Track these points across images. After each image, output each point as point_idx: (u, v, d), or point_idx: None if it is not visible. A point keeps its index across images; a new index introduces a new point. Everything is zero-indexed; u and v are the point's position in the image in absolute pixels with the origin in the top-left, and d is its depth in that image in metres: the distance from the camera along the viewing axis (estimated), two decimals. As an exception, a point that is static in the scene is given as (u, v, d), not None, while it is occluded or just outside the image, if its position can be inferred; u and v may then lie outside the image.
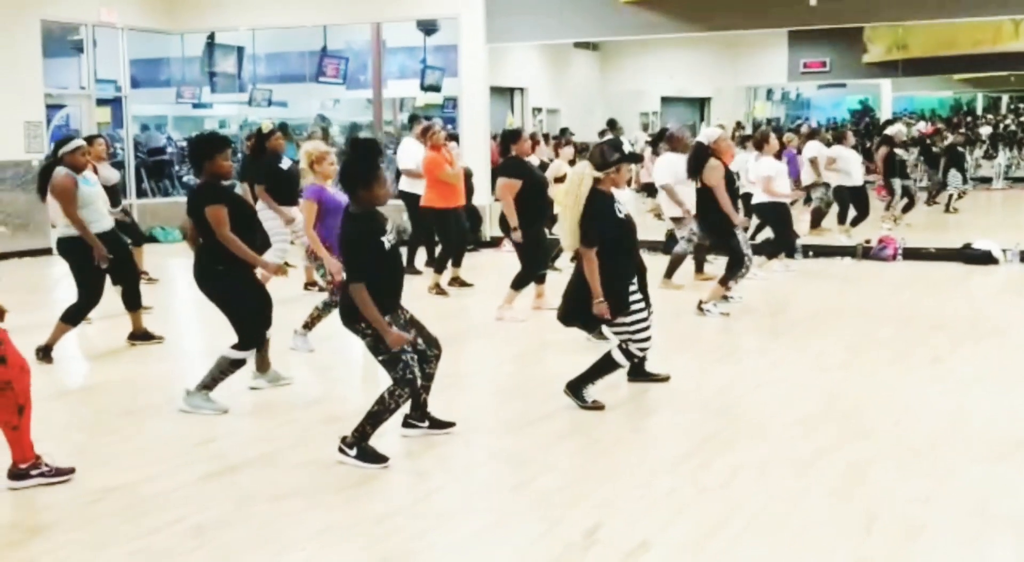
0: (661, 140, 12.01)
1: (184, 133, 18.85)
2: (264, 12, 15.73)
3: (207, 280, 6.17)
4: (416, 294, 9.40)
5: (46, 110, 14.53)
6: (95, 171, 8.86)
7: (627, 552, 4.10)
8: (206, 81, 17.69)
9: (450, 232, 10.62)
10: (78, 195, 7.47)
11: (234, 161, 6.69)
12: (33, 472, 4.88)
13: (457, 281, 10.75)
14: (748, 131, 20.10)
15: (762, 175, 10.65)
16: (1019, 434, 5.64)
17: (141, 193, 16.42)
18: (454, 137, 13.39)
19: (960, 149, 18.04)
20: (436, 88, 17.45)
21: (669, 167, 10.39)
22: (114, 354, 8.00)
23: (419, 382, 5.23)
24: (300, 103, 19.67)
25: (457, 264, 10.79)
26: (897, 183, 14.92)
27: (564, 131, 18.92)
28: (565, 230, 6.04)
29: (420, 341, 5.40)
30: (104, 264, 7.60)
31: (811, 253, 12.93)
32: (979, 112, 25.26)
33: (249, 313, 6.20)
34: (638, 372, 6.66)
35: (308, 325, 7.78)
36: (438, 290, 10.28)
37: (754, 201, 11.00)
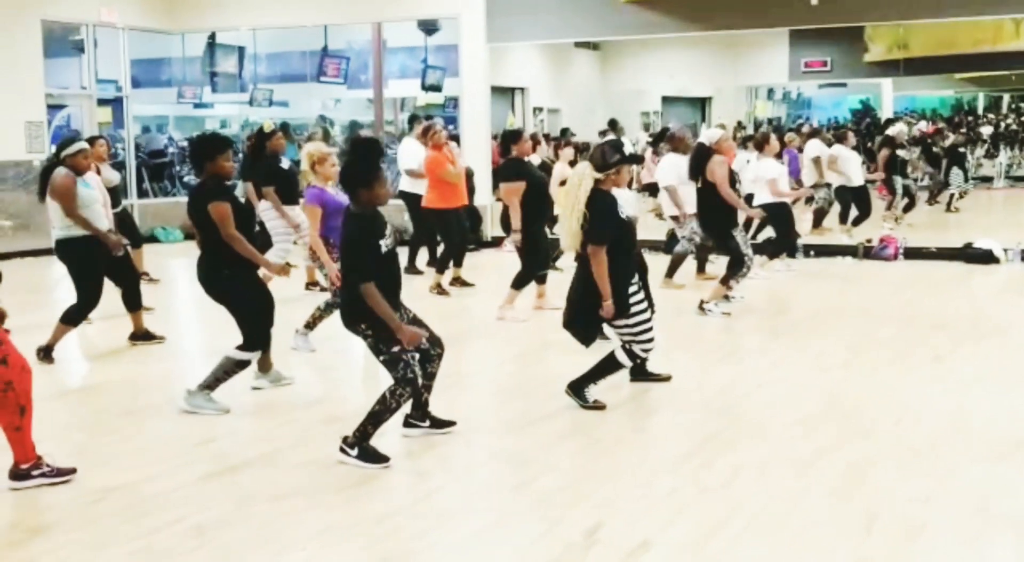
0: (662, 140, 12.01)
1: (185, 133, 18.85)
2: (265, 12, 15.73)
3: (213, 284, 6.17)
4: (417, 294, 9.40)
5: (47, 110, 14.54)
6: (98, 172, 8.86)
7: (628, 552, 4.10)
8: (207, 81, 17.70)
9: (452, 232, 10.62)
10: (78, 195, 7.47)
11: (235, 161, 6.69)
12: (34, 472, 4.89)
13: (458, 281, 10.76)
14: (749, 131, 20.11)
15: (766, 178, 10.64)
16: (1019, 434, 5.64)
17: (142, 193, 16.42)
18: (455, 137, 13.40)
19: (961, 150, 18.05)
20: (437, 88, 17.46)
21: (673, 168, 10.39)
22: (115, 354, 8.01)
23: (420, 381, 5.23)
24: (301, 103, 19.68)
25: (458, 264, 10.79)
26: (898, 182, 14.92)
27: (565, 131, 18.93)
28: (565, 232, 6.04)
29: (424, 340, 5.40)
30: (119, 252, 7.67)
31: (812, 253, 12.93)
32: (980, 111, 25.26)
33: (255, 314, 6.21)
34: (640, 372, 6.66)
35: (310, 325, 7.78)
36: (439, 290, 10.29)
37: (756, 202, 10.99)
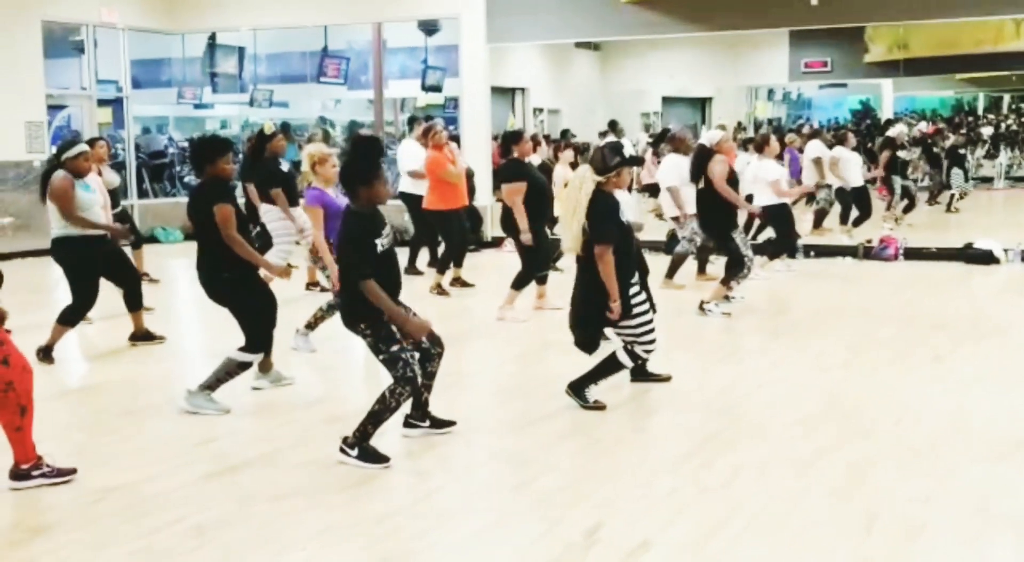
0: (663, 141, 12.01)
1: (185, 134, 18.86)
2: (265, 12, 15.73)
3: (214, 286, 6.17)
4: (418, 294, 9.40)
5: (47, 111, 14.54)
6: (99, 174, 8.87)
7: (628, 552, 4.10)
8: (207, 81, 17.69)
9: (453, 233, 10.63)
10: (75, 198, 7.45)
11: (235, 162, 6.70)
12: (35, 472, 4.89)
13: (458, 281, 10.76)
14: (749, 131, 20.12)
15: (767, 179, 10.64)
16: (1019, 434, 5.64)
17: (142, 193, 16.42)
18: (455, 138, 13.40)
19: (962, 151, 18.06)
20: (437, 88, 17.46)
21: (675, 169, 10.40)
22: (115, 354, 8.01)
23: (419, 380, 5.23)
24: (301, 103, 19.68)
25: (459, 264, 10.79)
26: (897, 182, 14.92)
27: (565, 133, 18.94)
28: (568, 235, 6.03)
29: (424, 339, 5.41)
30: (126, 239, 7.70)
31: (812, 253, 12.93)
32: (980, 112, 25.26)
33: (257, 316, 6.21)
34: (640, 372, 6.66)
35: (311, 325, 7.79)
36: (439, 290, 10.29)
37: (755, 203, 10.98)
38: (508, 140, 9.26)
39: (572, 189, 6.02)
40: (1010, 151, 22.40)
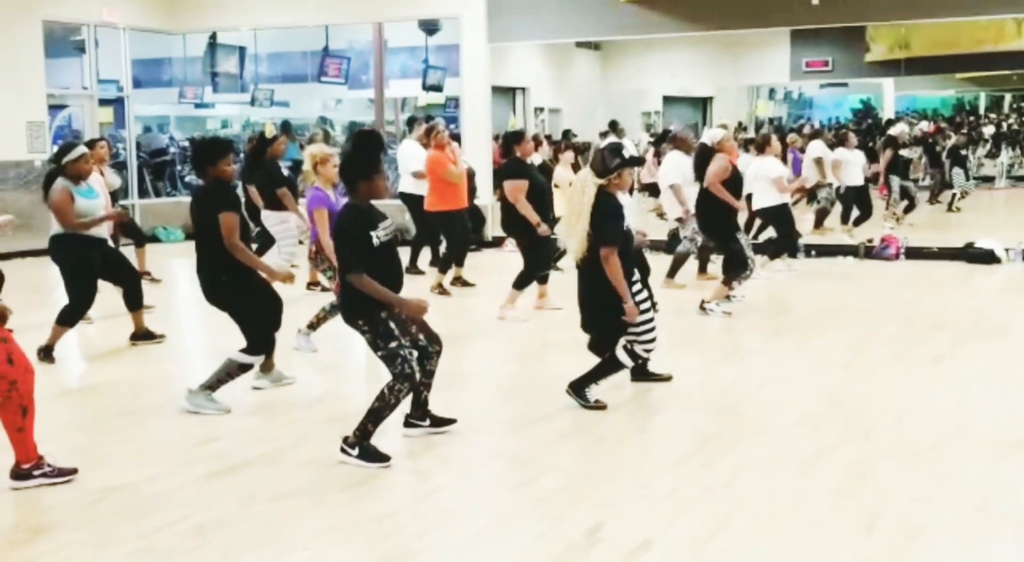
0: (664, 142, 12.01)
1: (186, 133, 18.85)
2: (266, 12, 15.73)
3: (213, 290, 6.17)
4: (419, 294, 9.37)
5: (48, 110, 14.54)
6: (101, 174, 8.87)
7: (629, 551, 4.10)
8: (208, 81, 17.68)
9: (456, 233, 10.63)
10: (74, 208, 7.45)
11: (236, 163, 6.71)
12: (36, 472, 4.89)
13: (459, 281, 10.76)
14: (750, 131, 20.10)
15: (770, 177, 10.64)
16: (1020, 433, 5.64)
17: (143, 193, 16.42)
18: (456, 137, 13.41)
19: (963, 152, 18.04)
20: (438, 88, 17.45)
21: (677, 167, 10.40)
22: (115, 354, 8.01)
23: (418, 377, 5.23)
24: (302, 103, 19.66)
25: (460, 264, 10.79)
26: (895, 182, 14.90)
27: (567, 133, 18.93)
28: (572, 239, 6.02)
29: (422, 337, 5.41)
30: (126, 218, 7.68)
31: (813, 252, 12.93)
32: (982, 111, 25.23)
33: (257, 318, 6.20)
34: (641, 372, 6.66)
35: (313, 325, 7.79)
36: (440, 290, 10.28)
37: (756, 202, 10.99)
38: (509, 140, 9.26)
39: (575, 193, 6.01)
40: (1011, 150, 22.36)
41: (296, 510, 4.59)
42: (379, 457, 5.14)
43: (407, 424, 5.65)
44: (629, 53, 20.45)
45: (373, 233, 5.09)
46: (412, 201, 11.72)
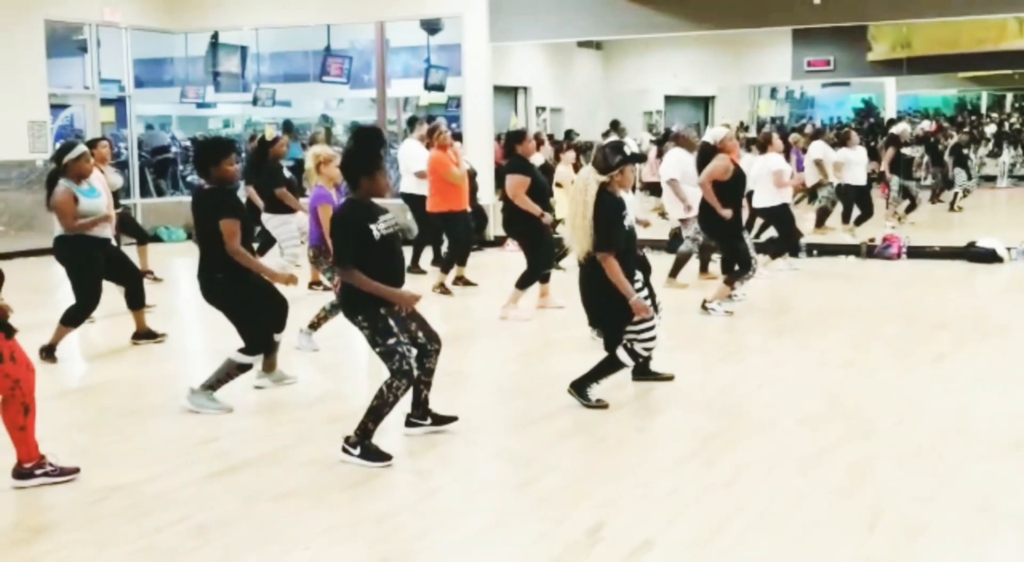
0: (666, 141, 12.01)
1: (188, 133, 18.87)
2: (268, 11, 15.74)
3: (210, 290, 6.17)
4: (421, 293, 9.38)
5: (50, 110, 14.54)
6: (102, 172, 8.88)
7: (630, 551, 4.10)
8: (210, 81, 17.69)
9: (459, 234, 10.63)
10: (78, 209, 7.46)
11: (238, 162, 6.71)
12: (37, 472, 4.90)
13: (461, 280, 10.76)
14: (752, 131, 20.08)
15: (772, 171, 10.64)
16: (1021, 433, 5.64)
17: (145, 192, 16.43)
18: (457, 136, 13.41)
19: (965, 151, 18.02)
20: (440, 87, 17.44)
21: (677, 163, 10.39)
22: (117, 353, 8.01)
23: (416, 373, 5.23)
24: (304, 102, 19.67)
25: (462, 264, 10.79)
26: (895, 181, 14.88)
27: (569, 133, 18.92)
28: (575, 237, 6.01)
29: (421, 335, 5.41)
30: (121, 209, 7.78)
31: (815, 252, 12.92)
32: (984, 110, 25.20)
33: (257, 318, 6.20)
34: (642, 371, 6.66)
35: (314, 325, 7.80)
36: (442, 289, 10.29)
37: (756, 200, 10.98)
38: (511, 139, 9.28)
39: (577, 192, 5.99)
40: (1013, 150, 22.33)
41: (297, 510, 4.59)
42: (381, 456, 5.14)
43: (408, 423, 5.65)
44: (631, 53, 20.44)
45: (373, 226, 5.10)
46: (414, 201, 11.73)
